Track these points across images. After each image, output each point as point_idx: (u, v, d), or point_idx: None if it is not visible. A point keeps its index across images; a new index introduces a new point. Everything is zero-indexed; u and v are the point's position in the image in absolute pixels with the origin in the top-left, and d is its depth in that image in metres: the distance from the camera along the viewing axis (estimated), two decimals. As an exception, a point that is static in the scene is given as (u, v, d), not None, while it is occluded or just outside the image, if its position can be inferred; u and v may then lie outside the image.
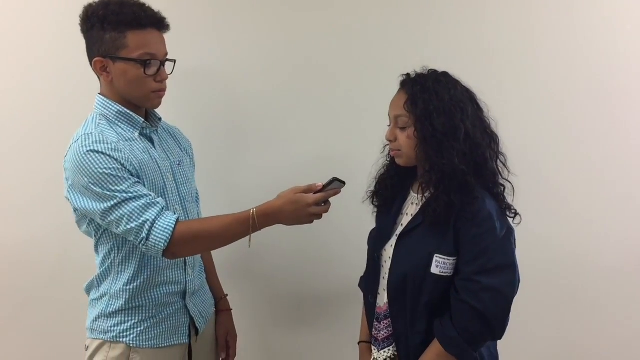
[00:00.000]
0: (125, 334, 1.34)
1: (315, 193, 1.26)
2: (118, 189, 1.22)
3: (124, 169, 1.24)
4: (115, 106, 1.32)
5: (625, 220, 1.80)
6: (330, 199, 1.29)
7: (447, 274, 1.23)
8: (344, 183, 1.26)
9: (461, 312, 1.20)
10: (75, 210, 1.32)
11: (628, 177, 1.78)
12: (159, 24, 1.31)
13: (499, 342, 1.33)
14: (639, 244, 1.80)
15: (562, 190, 1.79)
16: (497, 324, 1.19)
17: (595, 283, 1.82)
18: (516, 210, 1.29)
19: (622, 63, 1.74)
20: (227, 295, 1.65)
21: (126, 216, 1.22)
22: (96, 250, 1.38)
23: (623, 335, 1.85)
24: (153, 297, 1.35)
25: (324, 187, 1.26)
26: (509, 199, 1.30)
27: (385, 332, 1.33)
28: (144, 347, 1.35)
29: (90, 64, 1.32)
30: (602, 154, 1.77)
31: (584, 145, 1.77)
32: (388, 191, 1.40)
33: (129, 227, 1.22)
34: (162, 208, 1.25)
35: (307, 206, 1.24)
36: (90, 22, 1.27)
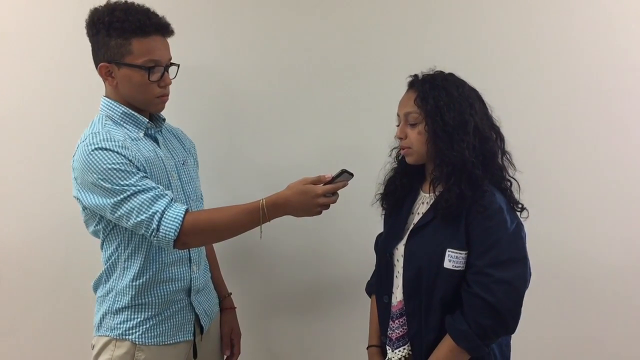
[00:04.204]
0: (131, 331, 1.36)
1: (324, 184, 1.28)
2: (127, 182, 1.24)
3: (131, 164, 1.27)
4: (121, 107, 1.35)
5: (630, 218, 1.80)
6: (337, 198, 1.31)
7: (459, 269, 1.24)
8: (352, 175, 1.28)
9: (473, 306, 1.20)
10: (85, 208, 1.35)
11: (632, 175, 1.78)
12: (163, 30, 1.33)
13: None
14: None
15: (566, 189, 1.80)
16: (509, 317, 1.19)
17: (600, 281, 1.82)
18: (523, 205, 1.31)
19: (625, 62, 1.74)
20: (230, 293, 1.68)
21: (136, 209, 1.24)
22: (102, 247, 1.40)
23: (631, 332, 1.84)
24: (159, 294, 1.38)
25: (333, 178, 1.28)
26: (516, 196, 1.32)
27: (400, 331, 1.34)
28: (150, 344, 1.37)
29: (96, 68, 1.34)
30: (606, 153, 1.78)
31: (588, 144, 1.78)
32: (397, 192, 1.42)
33: (139, 219, 1.24)
34: (171, 199, 1.28)
35: (316, 197, 1.26)
36: (96, 27, 1.30)
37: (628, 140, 1.77)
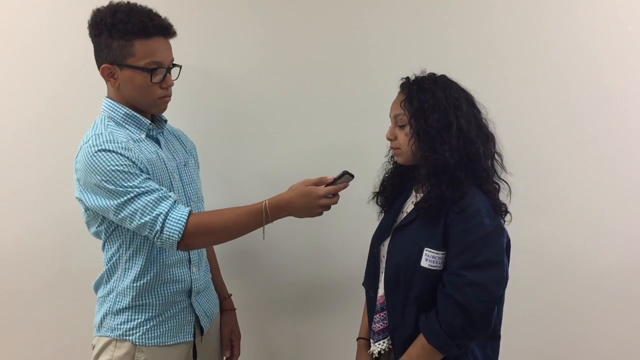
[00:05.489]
0: (131, 332, 1.36)
1: (325, 186, 1.29)
2: (130, 184, 1.24)
3: (134, 165, 1.27)
4: (123, 109, 1.36)
5: (622, 221, 1.80)
6: (338, 199, 1.32)
7: (436, 268, 1.26)
8: (353, 176, 1.30)
9: (445, 306, 1.22)
10: (87, 210, 1.35)
11: (626, 179, 1.79)
12: (165, 31, 1.33)
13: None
14: (636, 245, 1.81)
15: (559, 191, 1.80)
16: (480, 319, 1.21)
17: (591, 284, 1.83)
18: (506, 208, 1.32)
19: (620, 65, 1.75)
20: (231, 294, 1.68)
21: (140, 210, 1.24)
22: (103, 248, 1.40)
23: (619, 337, 1.85)
24: (159, 295, 1.38)
25: (335, 180, 1.30)
26: (506, 200, 1.32)
27: (381, 325, 1.37)
28: (150, 345, 1.37)
29: (98, 69, 1.35)
30: (601, 156, 1.79)
31: (582, 146, 1.79)
32: (390, 191, 1.45)
33: (142, 221, 1.24)
34: (175, 201, 1.28)
35: (318, 198, 1.27)
36: (98, 28, 1.30)
37: (623, 144, 1.78)
